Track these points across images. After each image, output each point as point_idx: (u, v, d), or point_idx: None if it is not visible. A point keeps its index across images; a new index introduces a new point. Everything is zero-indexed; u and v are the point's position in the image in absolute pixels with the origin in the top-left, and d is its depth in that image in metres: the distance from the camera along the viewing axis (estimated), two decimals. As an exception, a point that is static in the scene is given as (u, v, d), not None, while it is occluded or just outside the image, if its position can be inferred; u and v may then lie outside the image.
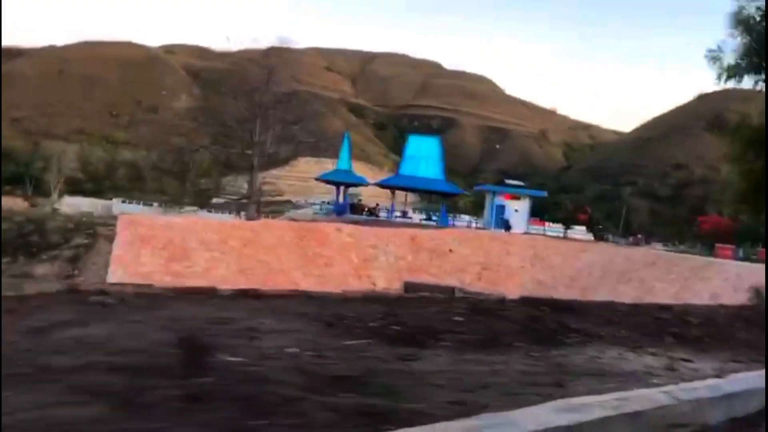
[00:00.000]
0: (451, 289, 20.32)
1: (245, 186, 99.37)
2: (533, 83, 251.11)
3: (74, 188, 76.76)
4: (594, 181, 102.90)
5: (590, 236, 40.71)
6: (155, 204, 68.44)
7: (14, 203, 55.88)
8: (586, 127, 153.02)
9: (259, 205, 55.07)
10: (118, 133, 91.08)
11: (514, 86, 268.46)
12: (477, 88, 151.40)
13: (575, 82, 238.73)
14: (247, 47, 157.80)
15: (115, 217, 20.37)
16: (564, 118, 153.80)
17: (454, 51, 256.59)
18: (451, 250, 21.43)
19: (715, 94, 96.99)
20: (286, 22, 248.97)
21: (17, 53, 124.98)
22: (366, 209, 43.24)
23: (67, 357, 3.12)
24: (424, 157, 38.41)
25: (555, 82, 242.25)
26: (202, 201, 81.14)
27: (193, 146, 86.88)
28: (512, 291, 20.71)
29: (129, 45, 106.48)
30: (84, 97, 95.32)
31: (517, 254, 21.81)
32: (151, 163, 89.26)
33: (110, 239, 17.51)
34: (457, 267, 21.08)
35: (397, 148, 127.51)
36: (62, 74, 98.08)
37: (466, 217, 46.00)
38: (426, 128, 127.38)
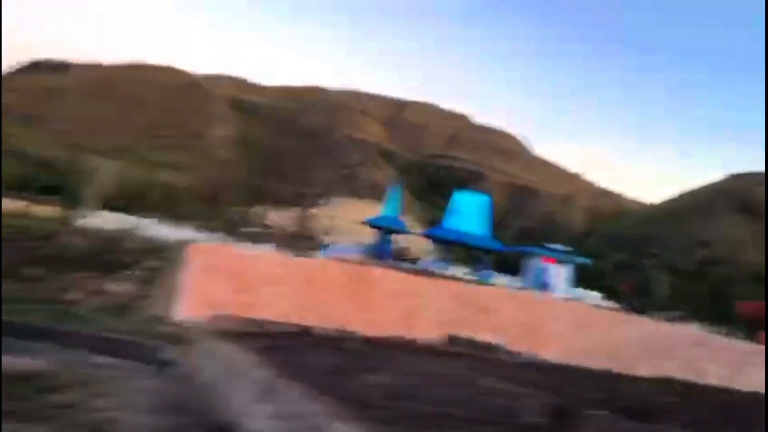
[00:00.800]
0: (493, 347, 20.81)
1: (272, 218, 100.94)
2: (560, 144, 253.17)
3: (108, 203, 78.30)
4: (616, 249, 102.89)
5: (611, 304, 40.92)
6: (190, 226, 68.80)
7: (48, 211, 57.06)
8: (610, 195, 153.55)
9: (306, 240, 55.40)
10: (156, 155, 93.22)
11: (540, 145, 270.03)
12: (505, 145, 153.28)
13: (602, 149, 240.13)
14: (285, 84, 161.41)
15: (180, 243, 21.16)
16: (589, 184, 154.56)
17: (482, 104, 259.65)
18: (495, 309, 21.89)
19: (747, 175, 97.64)
20: (322, 62, 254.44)
21: (63, 67, 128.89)
22: (408, 257, 44.12)
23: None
24: (470, 212, 39.33)
25: (582, 146, 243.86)
26: (231, 229, 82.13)
27: (228, 176, 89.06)
28: (554, 355, 21.13)
29: (172, 70, 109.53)
30: (127, 117, 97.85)
31: (559, 319, 22.22)
32: (186, 187, 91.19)
33: (179, 264, 18.25)
34: (500, 325, 21.51)
35: (423, 195, 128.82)
36: (108, 93, 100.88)
37: (497, 275, 46.33)
38: (454, 180, 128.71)
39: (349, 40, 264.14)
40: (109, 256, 20.08)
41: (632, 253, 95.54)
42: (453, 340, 20.96)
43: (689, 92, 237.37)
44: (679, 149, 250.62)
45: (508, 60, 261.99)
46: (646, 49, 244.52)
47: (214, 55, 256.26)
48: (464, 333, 21.54)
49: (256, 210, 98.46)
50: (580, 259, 41.49)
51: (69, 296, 16.71)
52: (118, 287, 17.89)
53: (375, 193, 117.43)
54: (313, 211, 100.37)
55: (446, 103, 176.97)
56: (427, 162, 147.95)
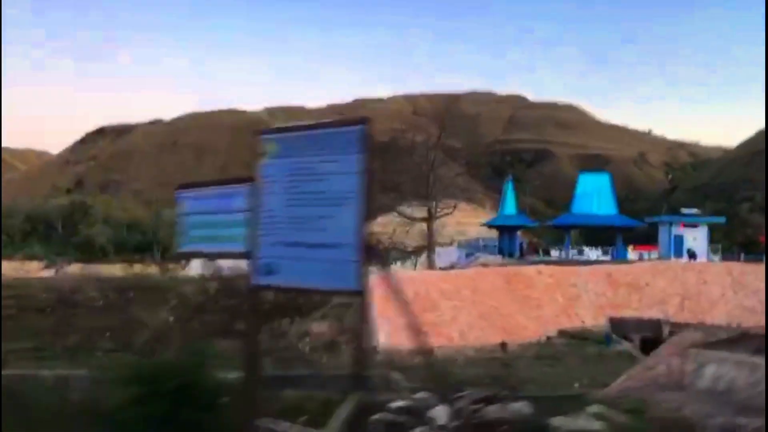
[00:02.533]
0: (658, 322, 20.27)
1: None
2: (624, 106, 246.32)
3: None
4: (705, 200, 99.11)
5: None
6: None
7: (148, 269, 59.14)
8: (684, 146, 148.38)
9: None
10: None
11: (604, 111, 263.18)
12: (567, 117, 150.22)
13: (668, 101, 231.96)
14: (332, 102, 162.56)
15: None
16: (661, 139, 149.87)
17: (539, 82, 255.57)
18: (647, 284, 21.44)
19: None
20: (367, 72, 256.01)
21: (128, 129, 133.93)
22: (539, 249, 43.78)
23: None
24: (595, 193, 38.73)
25: (647, 103, 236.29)
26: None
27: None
28: (718, 320, 20.45)
29: (232, 111, 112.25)
30: (196, 165, 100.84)
31: (714, 282, 21.55)
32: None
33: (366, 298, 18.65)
34: (657, 300, 21.03)
35: (492, 185, 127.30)
36: (174, 145, 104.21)
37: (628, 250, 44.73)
38: (519, 162, 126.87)
39: (379, 47, 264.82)
40: (297, 300, 20.61)
41: (726, 201, 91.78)
42: (614, 321, 20.59)
43: (736, 37, 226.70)
44: (741, 90, 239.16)
45: (555, 32, 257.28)
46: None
47: (264, 89, 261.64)
48: (626, 313, 21.17)
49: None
50: (714, 219, 40.21)
51: (282, 342, 17.24)
52: (320, 327, 18.40)
53: (449, 191, 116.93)
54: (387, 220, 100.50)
55: (501, 88, 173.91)
56: (491, 150, 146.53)
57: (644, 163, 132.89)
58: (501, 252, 41.83)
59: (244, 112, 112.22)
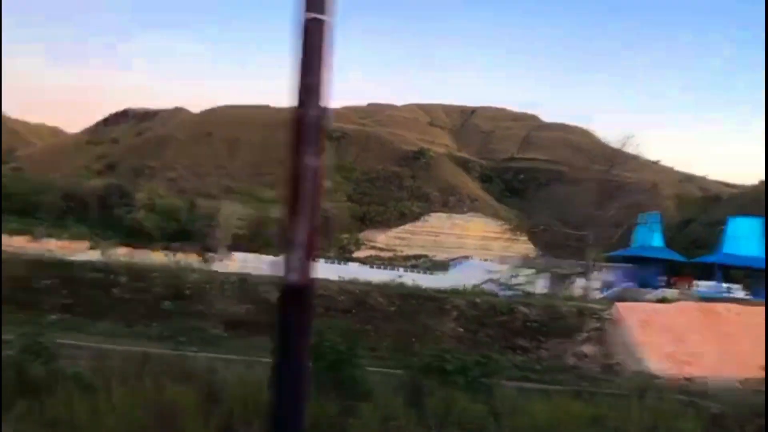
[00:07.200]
0: None
1: (381, 240, 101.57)
2: (634, 134, 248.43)
3: (234, 243, 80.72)
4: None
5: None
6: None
7: (188, 258, 59.33)
8: (693, 179, 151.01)
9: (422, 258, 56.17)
10: (263, 192, 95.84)
11: (612, 137, 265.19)
12: (580, 141, 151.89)
13: (677, 133, 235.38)
14: (346, 104, 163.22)
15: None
16: (670, 170, 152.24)
17: (551, 103, 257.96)
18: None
19: None
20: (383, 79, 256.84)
21: (150, 115, 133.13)
22: (689, 284, 45.09)
23: None
24: (746, 236, 40.75)
25: (657, 133, 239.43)
26: (342, 255, 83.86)
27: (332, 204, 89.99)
28: None
29: (263, 107, 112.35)
30: (230, 158, 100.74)
31: None
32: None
33: (611, 322, 19.85)
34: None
35: (504, 200, 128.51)
36: (207, 137, 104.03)
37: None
38: (533, 181, 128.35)
39: (398, 54, 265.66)
40: (556, 321, 21.69)
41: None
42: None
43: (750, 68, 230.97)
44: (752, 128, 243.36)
45: (564, 55, 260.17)
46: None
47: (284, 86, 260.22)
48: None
49: (365, 234, 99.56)
50: None
51: (561, 362, 18.14)
52: (589, 349, 19.52)
53: (461, 204, 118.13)
54: (408, 227, 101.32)
55: (514, 106, 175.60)
56: (504, 166, 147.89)
57: (656, 193, 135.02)
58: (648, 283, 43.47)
59: (275, 109, 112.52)
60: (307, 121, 3.96)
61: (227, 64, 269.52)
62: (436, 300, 24.39)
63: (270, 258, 74.51)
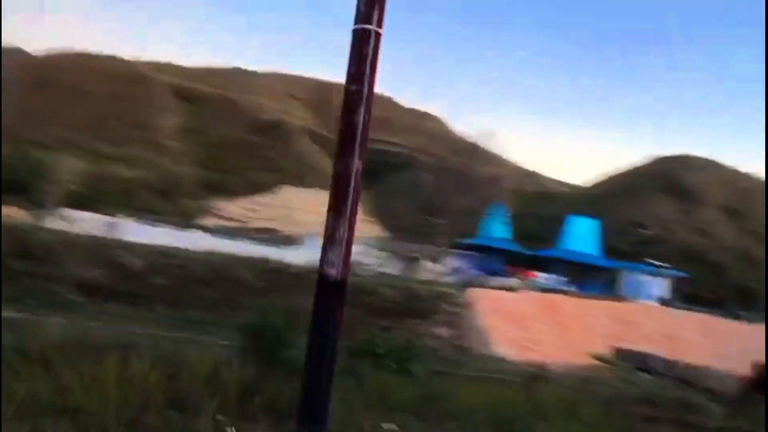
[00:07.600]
0: (662, 360, 24.44)
1: (228, 209, 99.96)
2: (479, 122, 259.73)
3: (67, 200, 74.97)
4: (551, 233, 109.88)
5: None
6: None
7: (13, 212, 54.96)
8: (533, 176, 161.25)
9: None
10: (104, 147, 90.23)
11: (462, 123, 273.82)
12: (435, 129, 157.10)
13: (521, 128, 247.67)
14: (208, 65, 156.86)
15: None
16: (512, 165, 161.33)
17: (407, 88, 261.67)
18: (636, 322, 25.65)
19: (670, 158, 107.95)
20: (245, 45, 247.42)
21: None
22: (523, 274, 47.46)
23: None
24: (584, 235, 43.76)
25: (501, 125, 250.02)
26: (187, 222, 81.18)
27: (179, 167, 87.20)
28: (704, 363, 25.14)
29: (113, 58, 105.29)
30: (71, 108, 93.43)
31: (686, 327, 26.36)
32: (140, 180, 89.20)
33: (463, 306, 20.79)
34: (646, 337, 25.30)
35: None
36: (46, 82, 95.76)
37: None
38: (386, 165, 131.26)
39: (250, 23, 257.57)
40: (414, 302, 22.04)
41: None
42: (622, 354, 24.52)
43: (605, 76, 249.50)
44: (597, 132, 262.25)
45: (423, 39, 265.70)
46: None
47: (142, 40, 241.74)
48: (624, 346, 25.03)
49: (213, 202, 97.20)
50: (679, 274, 47.14)
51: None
52: (440, 331, 20.07)
53: (318, 181, 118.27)
54: (258, 199, 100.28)
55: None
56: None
57: (497, 185, 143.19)
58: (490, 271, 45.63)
59: (126, 62, 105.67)
60: (352, 125, 4.17)
61: (83, 11, 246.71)
62: (299, 276, 24.48)
63: (109, 219, 70.10)
